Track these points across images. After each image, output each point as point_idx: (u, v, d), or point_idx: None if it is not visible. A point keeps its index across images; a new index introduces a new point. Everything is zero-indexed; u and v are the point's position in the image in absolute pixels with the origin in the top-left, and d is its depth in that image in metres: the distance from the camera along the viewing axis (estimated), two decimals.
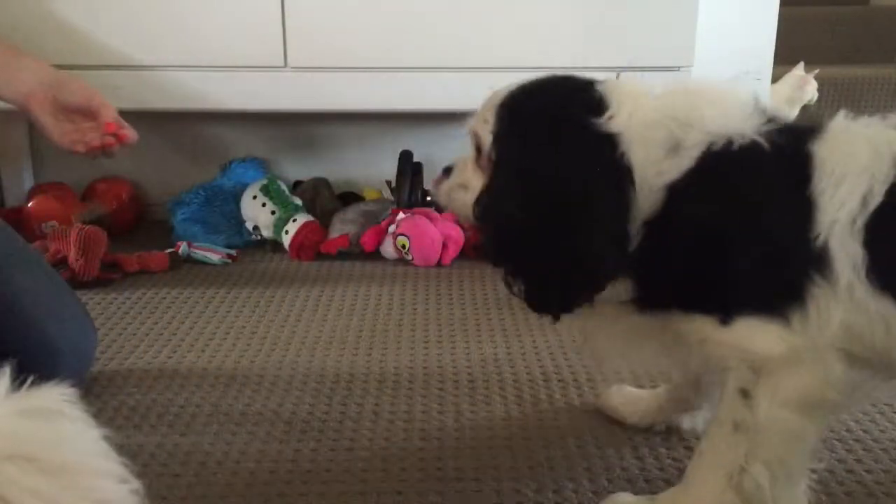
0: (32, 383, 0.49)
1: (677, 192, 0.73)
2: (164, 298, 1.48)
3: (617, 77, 0.82)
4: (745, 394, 0.75)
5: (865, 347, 0.73)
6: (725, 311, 0.73)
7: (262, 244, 1.79)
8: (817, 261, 0.70)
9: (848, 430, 1.02)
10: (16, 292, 1.03)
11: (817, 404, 0.74)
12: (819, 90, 3.00)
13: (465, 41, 1.57)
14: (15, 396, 0.47)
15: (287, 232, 1.71)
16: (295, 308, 1.43)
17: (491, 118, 0.82)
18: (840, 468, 0.94)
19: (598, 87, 0.79)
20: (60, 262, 1.51)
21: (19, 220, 1.73)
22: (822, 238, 0.70)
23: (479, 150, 0.85)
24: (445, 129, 1.89)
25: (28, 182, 1.95)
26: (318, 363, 1.21)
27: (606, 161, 0.74)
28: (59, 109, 1.19)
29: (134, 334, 1.32)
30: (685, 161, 0.73)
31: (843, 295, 0.70)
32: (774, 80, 2.70)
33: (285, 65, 1.58)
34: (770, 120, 0.76)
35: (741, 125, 0.74)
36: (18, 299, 1.03)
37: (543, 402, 1.09)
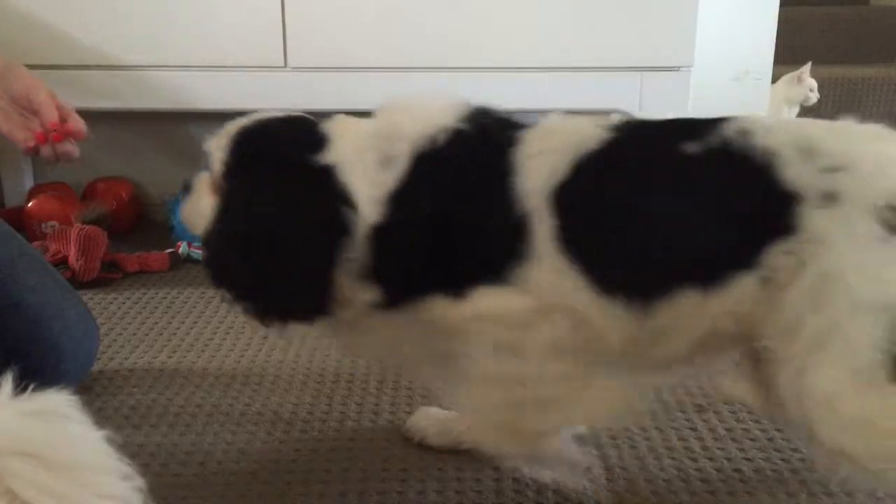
0: (36, 386, 0.49)
1: (397, 196, 0.80)
2: (164, 298, 1.48)
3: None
4: (512, 350, 0.80)
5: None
6: (459, 287, 0.79)
7: None
8: (524, 231, 0.76)
9: None
10: (21, 291, 1.03)
11: (571, 349, 0.79)
12: (819, 90, 3.00)
13: (464, 41, 1.57)
14: (20, 399, 0.48)
15: None
16: None
17: (223, 147, 0.87)
18: None
19: (322, 127, 0.86)
20: (60, 262, 1.50)
21: (19, 220, 1.73)
22: (523, 210, 0.76)
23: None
24: None
25: (28, 182, 1.94)
26: (318, 363, 1.21)
27: (321, 193, 0.81)
28: (8, 102, 1.14)
29: (134, 334, 1.32)
30: (398, 169, 0.80)
31: (546, 263, 0.76)
32: (774, 80, 2.70)
33: (285, 65, 1.58)
34: (483, 115, 0.83)
35: (445, 122, 0.81)
36: (24, 298, 1.03)
37: None
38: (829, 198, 0.69)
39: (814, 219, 0.69)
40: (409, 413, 1.05)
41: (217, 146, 0.88)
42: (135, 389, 1.12)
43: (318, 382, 1.14)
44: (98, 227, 1.58)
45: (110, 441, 0.49)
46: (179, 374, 1.18)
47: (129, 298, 1.47)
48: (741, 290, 0.73)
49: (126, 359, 1.23)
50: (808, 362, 0.70)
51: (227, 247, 0.84)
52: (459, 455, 0.96)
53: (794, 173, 0.70)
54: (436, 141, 0.80)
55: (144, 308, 1.43)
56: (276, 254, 0.81)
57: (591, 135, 0.78)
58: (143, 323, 1.36)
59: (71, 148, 1.17)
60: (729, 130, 0.74)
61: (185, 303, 1.45)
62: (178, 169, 1.98)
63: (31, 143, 1.15)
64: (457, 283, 0.79)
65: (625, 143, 0.78)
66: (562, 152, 0.77)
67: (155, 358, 1.23)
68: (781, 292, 0.71)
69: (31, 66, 1.23)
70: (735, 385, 0.89)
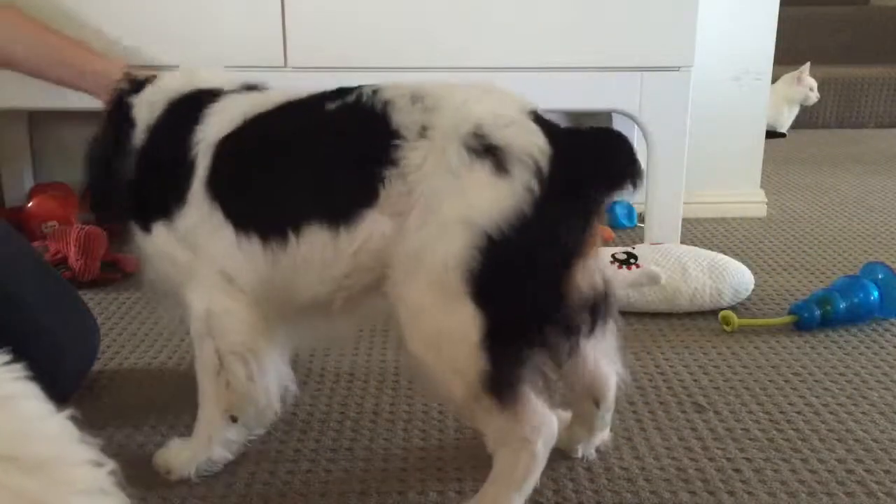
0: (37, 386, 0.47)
1: (147, 133, 0.96)
2: None
3: None
4: (184, 303, 0.91)
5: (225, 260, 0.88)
6: (145, 219, 0.92)
7: None
8: (191, 173, 0.89)
9: (848, 430, 1.02)
10: (21, 291, 1.03)
11: (228, 292, 0.89)
12: (819, 90, 3.00)
13: (464, 41, 1.57)
14: None
15: None
16: None
17: None
18: (840, 468, 0.94)
19: (153, 78, 1.02)
20: (60, 262, 1.50)
21: (19, 220, 1.73)
22: (193, 154, 0.89)
23: None
24: None
25: (28, 182, 1.94)
26: (319, 363, 1.21)
27: (120, 121, 0.99)
28: None
29: (134, 334, 1.32)
30: (155, 111, 0.97)
31: (195, 201, 0.88)
32: (774, 80, 2.70)
33: (285, 65, 1.58)
34: (247, 85, 0.97)
35: (195, 84, 0.97)
36: (24, 298, 1.03)
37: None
38: (423, 131, 0.80)
39: (414, 150, 0.80)
40: (409, 412, 1.06)
41: None
42: (135, 389, 1.12)
43: (319, 382, 1.14)
44: (98, 227, 1.58)
45: (106, 441, 0.48)
46: (179, 374, 1.18)
47: (129, 298, 1.47)
48: (370, 226, 0.81)
49: (126, 359, 1.23)
50: (406, 278, 0.79)
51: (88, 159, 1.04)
52: (459, 455, 0.96)
53: (401, 115, 0.82)
54: (176, 97, 0.96)
55: (144, 308, 1.43)
56: (88, 158, 1.02)
57: (264, 101, 0.91)
58: (143, 323, 1.36)
59: None
60: (365, 90, 0.85)
61: None
62: None
63: None
64: (144, 215, 0.93)
65: (285, 106, 0.90)
66: (235, 113, 0.89)
67: (155, 358, 1.23)
68: (403, 221, 0.80)
69: None
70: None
